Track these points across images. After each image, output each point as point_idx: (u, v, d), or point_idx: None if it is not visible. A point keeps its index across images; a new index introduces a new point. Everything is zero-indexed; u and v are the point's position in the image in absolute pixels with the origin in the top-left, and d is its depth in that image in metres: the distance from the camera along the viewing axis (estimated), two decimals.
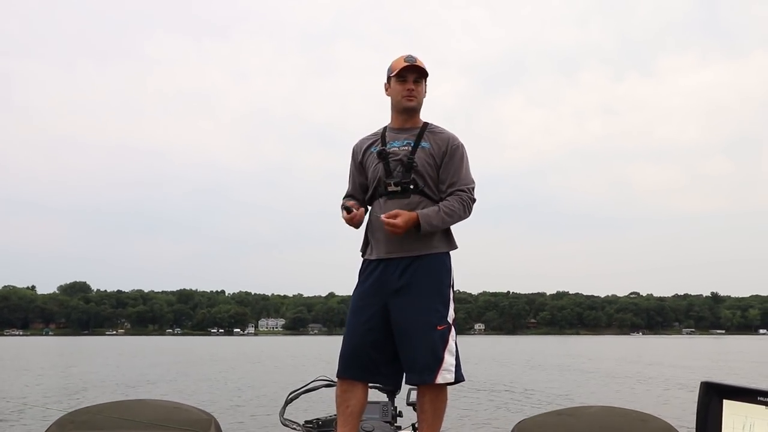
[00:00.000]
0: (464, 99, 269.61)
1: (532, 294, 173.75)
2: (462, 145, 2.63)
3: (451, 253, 2.65)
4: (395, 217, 2.46)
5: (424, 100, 2.70)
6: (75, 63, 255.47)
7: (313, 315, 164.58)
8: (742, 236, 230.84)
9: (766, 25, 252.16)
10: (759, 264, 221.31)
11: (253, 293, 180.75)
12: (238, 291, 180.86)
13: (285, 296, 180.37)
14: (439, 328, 2.48)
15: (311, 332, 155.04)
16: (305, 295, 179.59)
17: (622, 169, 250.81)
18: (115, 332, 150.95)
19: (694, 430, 1.25)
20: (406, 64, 2.59)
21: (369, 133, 2.77)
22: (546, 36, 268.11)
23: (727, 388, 1.22)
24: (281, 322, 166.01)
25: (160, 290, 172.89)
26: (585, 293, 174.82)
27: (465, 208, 2.58)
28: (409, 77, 2.60)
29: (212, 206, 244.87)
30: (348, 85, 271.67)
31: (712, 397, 1.23)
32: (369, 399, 3.01)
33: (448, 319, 2.53)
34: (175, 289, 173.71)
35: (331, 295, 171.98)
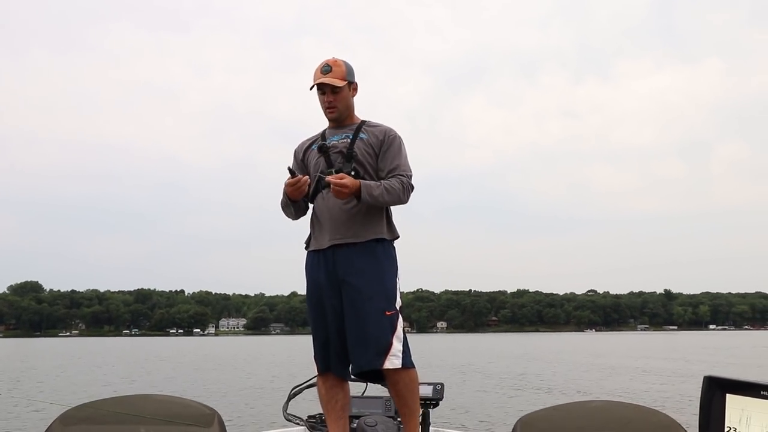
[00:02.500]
0: (427, 98, 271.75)
1: (493, 292, 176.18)
2: (399, 136, 2.71)
3: (395, 244, 2.70)
4: (342, 178, 2.49)
5: (351, 101, 2.74)
6: (25, 52, 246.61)
7: (275, 314, 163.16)
8: (693, 236, 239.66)
9: (717, 33, 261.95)
10: (709, 262, 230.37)
11: (213, 293, 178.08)
12: (198, 290, 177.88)
13: (246, 296, 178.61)
14: (387, 313, 2.51)
15: (273, 332, 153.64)
16: (267, 295, 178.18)
17: (581, 171, 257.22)
18: (68, 333, 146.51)
19: (698, 424, 1.24)
20: (320, 80, 2.63)
21: (306, 138, 2.86)
22: (508, 38, 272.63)
23: (730, 383, 1.22)
24: (242, 321, 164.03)
25: (117, 290, 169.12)
26: (544, 291, 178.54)
27: (404, 190, 2.61)
28: (326, 89, 2.65)
29: (172, 203, 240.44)
30: (311, 82, 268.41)
31: (715, 391, 1.23)
32: (371, 394, 3.03)
33: (396, 305, 2.56)
34: (132, 289, 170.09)
35: (294, 294, 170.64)
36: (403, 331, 2.56)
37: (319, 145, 2.69)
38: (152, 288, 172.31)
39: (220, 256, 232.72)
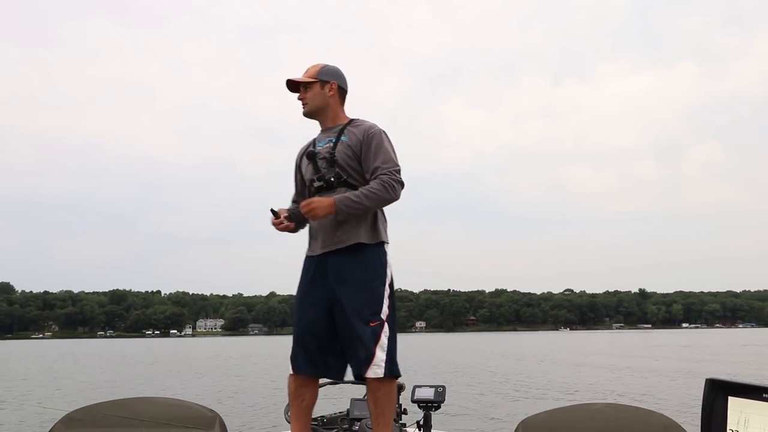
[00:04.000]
0: (407, 98, 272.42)
1: (471, 292, 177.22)
2: (380, 131, 2.70)
3: (387, 248, 2.69)
4: (309, 203, 2.55)
5: (325, 99, 2.78)
6: None
7: (253, 315, 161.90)
8: (667, 237, 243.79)
9: (692, 38, 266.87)
10: (682, 262, 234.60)
11: (191, 293, 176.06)
12: (174, 291, 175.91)
13: (224, 296, 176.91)
14: (371, 324, 2.53)
15: (251, 333, 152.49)
16: (245, 295, 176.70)
17: (558, 172, 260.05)
18: (41, 335, 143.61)
19: (699, 426, 1.24)
20: (286, 82, 2.78)
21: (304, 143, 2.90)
22: (487, 38, 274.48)
23: (733, 385, 1.21)
24: (220, 322, 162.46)
25: (91, 291, 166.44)
26: (522, 291, 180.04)
27: (387, 189, 2.58)
28: (298, 85, 2.78)
29: (148, 201, 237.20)
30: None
31: (718, 393, 1.23)
32: None
33: (381, 315, 2.56)
34: (107, 290, 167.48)
35: (272, 294, 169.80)
36: (390, 339, 2.57)
37: (308, 152, 2.74)
38: (128, 288, 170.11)
39: (198, 255, 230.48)
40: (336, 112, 2.80)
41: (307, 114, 2.79)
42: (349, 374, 2.77)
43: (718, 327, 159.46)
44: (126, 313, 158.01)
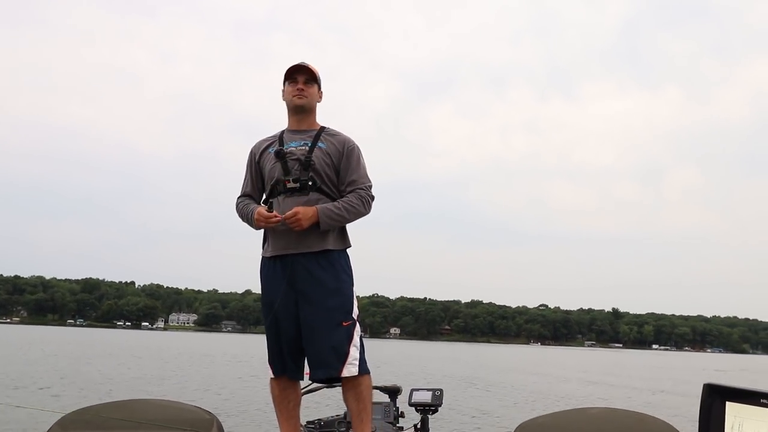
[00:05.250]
0: (396, 104, 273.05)
1: (447, 301, 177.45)
2: (357, 146, 2.76)
3: (348, 252, 2.76)
4: (295, 214, 2.54)
5: (320, 104, 2.85)
6: None
7: (227, 312, 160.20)
8: (642, 258, 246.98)
9: (676, 63, 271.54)
10: (655, 285, 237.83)
11: (165, 286, 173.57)
12: (149, 283, 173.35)
13: (199, 291, 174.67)
14: (344, 324, 2.60)
15: (224, 329, 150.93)
16: (220, 291, 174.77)
17: (540, 187, 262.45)
18: (9, 320, 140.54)
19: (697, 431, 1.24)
20: (296, 64, 2.78)
21: (267, 136, 2.89)
22: (479, 50, 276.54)
23: (730, 390, 1.22)
24: (193, 317, 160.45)
25: (63, 278, 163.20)
26: (497, 303, 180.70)
27: (364, 204, 2.68)
28: (299, 78, 2.75)
29: (127, 190, 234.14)
30: (280, 78, 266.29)
31: (715, 398, 1.22)
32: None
33: (353, 315, 2.65)
34: (80, 278, 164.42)
35: (248, 292, 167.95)
36: (360, 338, 2.65)
37: (276, 150, 2.70)
38: (101, 278, 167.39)
39: (175, 248, 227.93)
40: (314, 117, 2.85)
41: (301, 107, 2.76)
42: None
43: (687, 350, 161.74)
44: (98, 302, 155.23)
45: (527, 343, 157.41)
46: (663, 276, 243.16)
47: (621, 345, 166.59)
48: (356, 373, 2.58)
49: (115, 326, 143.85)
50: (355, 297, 2.70)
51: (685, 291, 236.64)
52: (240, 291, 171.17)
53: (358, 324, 2.66)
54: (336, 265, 2.66)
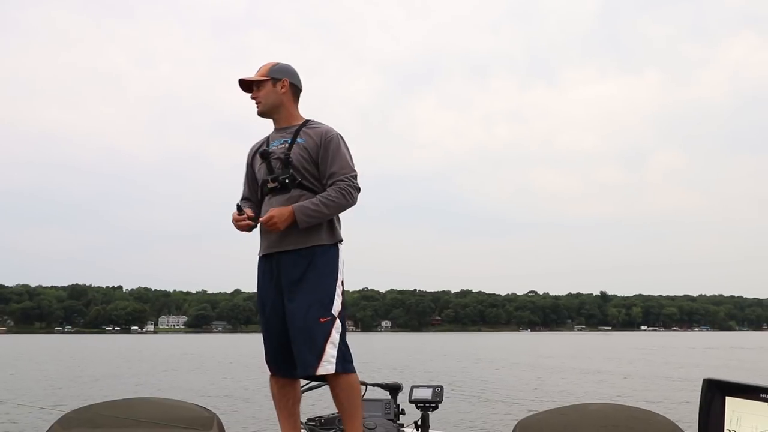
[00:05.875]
0: (379, 97, 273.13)
1: (437, 292, 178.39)
2: (337, 135, 2.69)
3: (340, 246, 2.71)
4: (270, 219, 2.54)
5: (302, 92, 2.82)
6: None
7: (217, 312, 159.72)
8: (628, 241, 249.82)
9: (656, 46, 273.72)
10: (642, 267, 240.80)
11: (153, 289, 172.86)
12: (137, 287, 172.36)
13: (188, 292, 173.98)
14: (321, 320, 2.54)
15: (215, 330, 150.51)
16: (209, 292, 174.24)
17: (526, 175, 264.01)
18: None
19: (697, 426, 1.24)
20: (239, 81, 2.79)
21: (259, 138, 2.90)
22: (460, 41, 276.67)
23: (730, 385, 1.22)
24: (183, 319, 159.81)
25: (49, 285, 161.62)
26: (487, 292, 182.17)
27: (344, 196, 2.61)
28: (251, 91, 2.78)
29: (111, 194, 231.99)
30: None
31: (715, 393, 1.23)
32: (371, 397, 3.10)
33: (333, 311, 2.58)
34: (66, 284, 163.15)
35: (237, 291, 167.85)
36: (341, 336, 2.58)
37: (261, 151, 2.72)
38: (88, 283, 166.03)
39: (162, 251, 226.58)
40: (290, 111, 2.78)
41: (261, 113, 2.77)
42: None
43: (674, 330, 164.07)
44: (86, 308, 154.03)
45: (517, 330, 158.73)
46: (650, 257, 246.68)
47: (610, 328, 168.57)
48: (332, 371, 2.52)
49: (104, 331, 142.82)
50: (338, 293, 2.61)
51: (672, 271, 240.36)
52: (229, 291, 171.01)
53: (338, 321, 2.58)
54: (318, 262, 2.60)
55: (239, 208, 2.64)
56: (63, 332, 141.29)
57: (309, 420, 3.01)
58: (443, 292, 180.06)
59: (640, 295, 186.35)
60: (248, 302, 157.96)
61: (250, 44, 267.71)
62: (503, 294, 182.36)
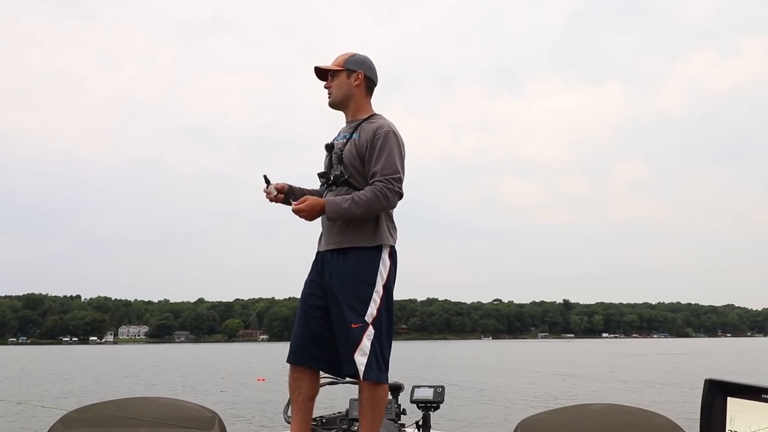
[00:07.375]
0: None
1: (403, 300, 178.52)
2: (388, 133, 2.58)
3: (385, 251, 2.59)
4: (299, 204, 2.51)
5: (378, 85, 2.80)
6: None
7: (180, 322, 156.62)
8: (591, 249, 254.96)
9: (619, 59, 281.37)
10: (603, 275, 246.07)
11: (113, 298, 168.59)
12: (96, 296, 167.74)
13: (149, 302, 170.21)
14: (353, 326, 2.48)
15: (177, 340, 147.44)
16: (172, 301, 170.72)
17: (492, 183, 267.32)
18: None
19: (699, 427, 1.24)
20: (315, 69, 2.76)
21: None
22: (428, 49, 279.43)
23: (732, 386, 1.22)
24: (144, 329, 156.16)
25: (3, 294, 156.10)
26: (453, 300, 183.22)
27: (379, 198, 2.50)
28: (324, 73, 2.76)
29: (69, 199, 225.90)
30: (228, 80, 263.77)
31: (717, 394, 1.23)
32: None
33: (366, 317, 2.49)
34: (21, 293, 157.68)
35: (201, 301, 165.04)
36: (373, 344, 2.49)
37: (327, 144, 2.71)
38: (44, 293, 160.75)
39: (123, 258, 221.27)
40: (360, 105, 2.72)
41: (332, 104, 2.74)
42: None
43: (635, 337, 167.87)
44: (42, 318, 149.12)
45: (480, 338, 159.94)
46: (611, 266, 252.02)
47: (573, 335, 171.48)
48: (361, 379, 2.48)
49: (60, 342, 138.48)
50: (374, 299, 2.52)
51: (632, 280, 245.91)
52: (193, 300, 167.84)
53: (371, 327, 2.48)
54: (358, 263, 2.54)
55: (266, 178, 2.63)
56: (17, 343, 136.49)
57: (311, 419, 2.97)
58: (409, 300, 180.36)
59: (602, 302, 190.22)
60: (212, 311, 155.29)
61: (217, 49, 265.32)
62: (469, 302, 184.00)
